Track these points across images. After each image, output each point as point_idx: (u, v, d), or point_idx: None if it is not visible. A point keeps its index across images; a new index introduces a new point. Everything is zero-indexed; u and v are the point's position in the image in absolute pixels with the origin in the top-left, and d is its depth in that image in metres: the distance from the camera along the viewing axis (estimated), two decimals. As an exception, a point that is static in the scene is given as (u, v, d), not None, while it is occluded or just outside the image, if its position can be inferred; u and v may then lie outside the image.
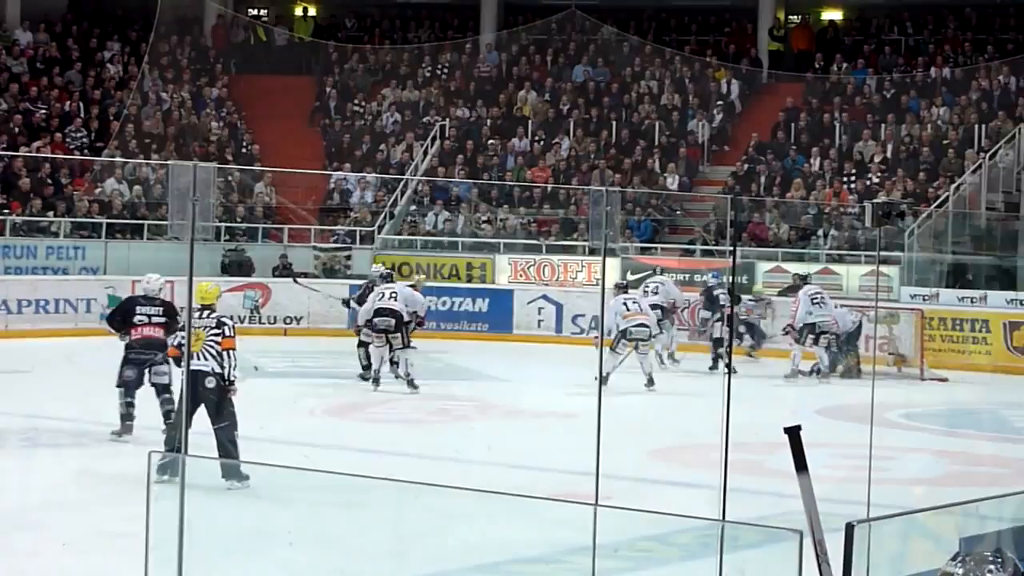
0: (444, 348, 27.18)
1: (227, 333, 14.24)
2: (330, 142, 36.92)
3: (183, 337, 14.50)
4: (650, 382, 22.01)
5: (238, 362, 14.38)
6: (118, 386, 16.27)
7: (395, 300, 21.71)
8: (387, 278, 22.78)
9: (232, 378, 14.18)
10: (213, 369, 14.09)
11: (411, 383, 21.35)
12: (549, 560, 10.98)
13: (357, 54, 39.12)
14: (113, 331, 16.70)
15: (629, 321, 22.17)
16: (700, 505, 11.58)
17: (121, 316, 16.67)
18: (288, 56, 39.61)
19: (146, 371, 16.18)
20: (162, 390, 16.13)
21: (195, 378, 13.88)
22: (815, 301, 24.00)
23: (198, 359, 14.10)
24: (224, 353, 14.14)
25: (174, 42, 38.03)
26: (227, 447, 13.89)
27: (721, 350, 24.59)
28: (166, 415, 15.80)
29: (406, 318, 21.66)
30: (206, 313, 14.39)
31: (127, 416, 16.22)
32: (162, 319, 16.34)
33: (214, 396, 14.02)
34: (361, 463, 15.39)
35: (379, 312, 21.60)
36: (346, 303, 24.00)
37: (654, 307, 23.57)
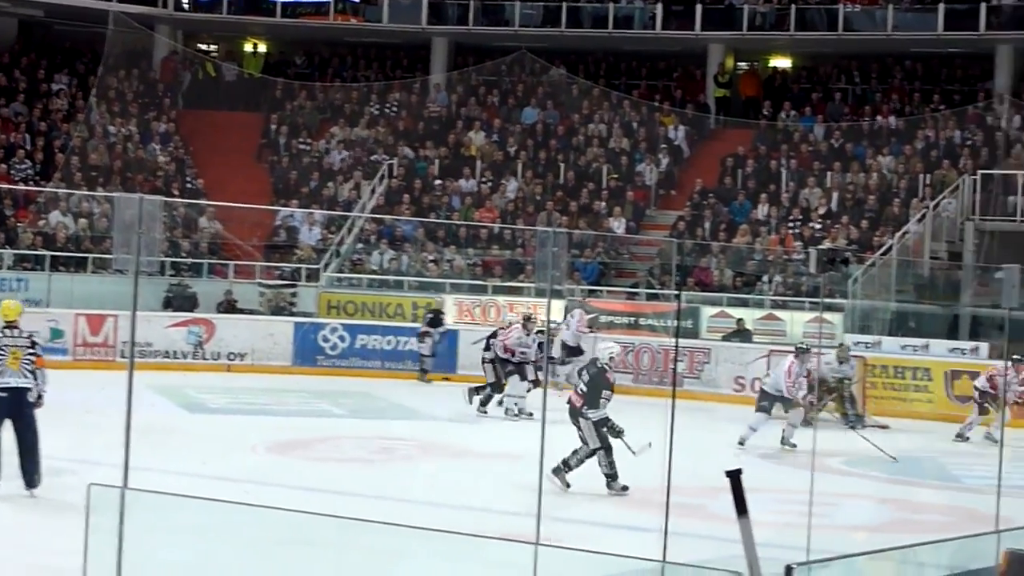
0: (388, 387, 27.16)
1: (39, 352, 15.19)
2: (277, 178, 36.83)
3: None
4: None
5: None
6: None
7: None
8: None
9: (42, 394, 15.07)
10: (29, 386, 14.91)
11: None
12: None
13: (306, 91, 39.07)
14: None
15: None
16: (643, 547, 11.55)
17: None
18: (236, 92, 39.52)
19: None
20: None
21: (18, 394, 14.82)
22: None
23: (19, 376, 14.89)
24: (38, 371, 15.03)
25: (122, 76, 37.92)
26: (37, 459, 14.81)
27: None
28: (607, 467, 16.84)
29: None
30: (15, 332, 15.11)
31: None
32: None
33: (30, 412, 14.88)
34: (303, 500, 15.28)
35: None
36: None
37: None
